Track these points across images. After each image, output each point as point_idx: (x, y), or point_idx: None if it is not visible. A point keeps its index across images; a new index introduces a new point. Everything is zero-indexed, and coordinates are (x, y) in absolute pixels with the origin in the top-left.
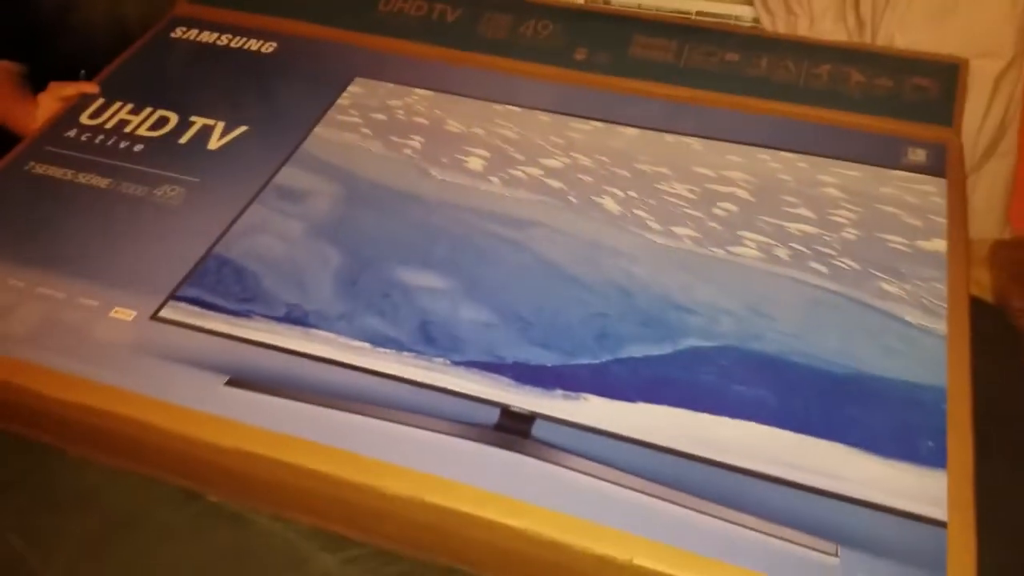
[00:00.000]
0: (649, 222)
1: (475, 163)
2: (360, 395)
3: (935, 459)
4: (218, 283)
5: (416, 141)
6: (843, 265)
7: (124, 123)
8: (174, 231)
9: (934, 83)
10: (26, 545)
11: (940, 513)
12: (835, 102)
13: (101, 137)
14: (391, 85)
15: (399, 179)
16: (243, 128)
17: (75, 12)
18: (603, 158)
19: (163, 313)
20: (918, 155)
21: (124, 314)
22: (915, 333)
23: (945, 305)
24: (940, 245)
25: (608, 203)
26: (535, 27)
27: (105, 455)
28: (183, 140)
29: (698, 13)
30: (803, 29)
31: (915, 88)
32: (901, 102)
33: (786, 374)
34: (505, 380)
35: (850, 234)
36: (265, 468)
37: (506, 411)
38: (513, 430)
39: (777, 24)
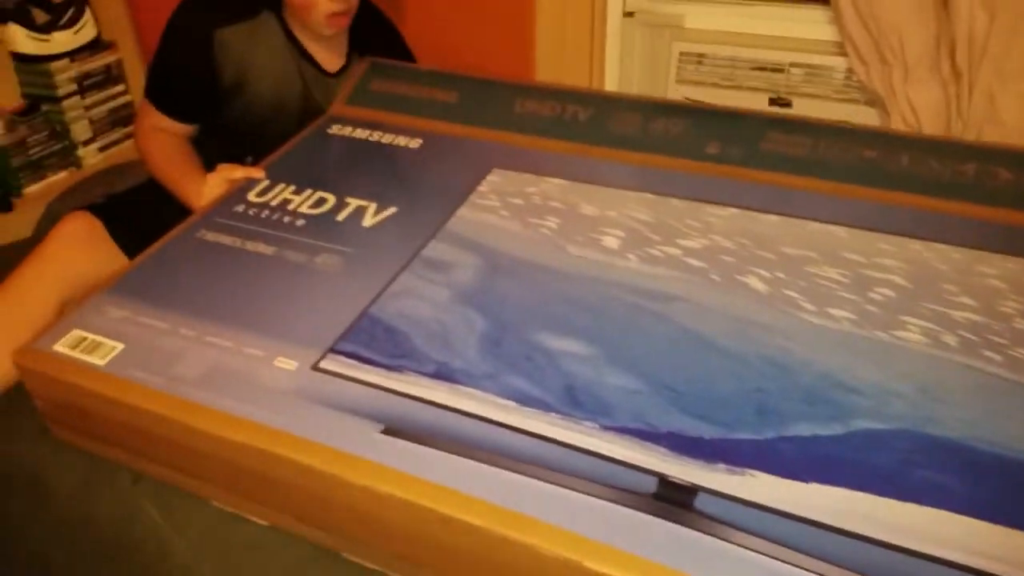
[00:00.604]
0: (801, 302)
1: (611, 241)
2: (510, 453)
3: None
4: (372, 340)
5: (552, 222)
6: (1018, 355)
7: (287, 202)
8: (332, 294)
9: None
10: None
11: None
12: (985, 198)
13: (266, 212)
14: (527, 175)
15: (537, 254)
16: (393, 209)
17: (247, 87)
18: (744, 240)
19: (323, 364)
20: None
21: (287, 363)
22: None
23: None
24: None
25: (754, 282)
26: (665, 124)
27: (250, 502)
28: (340, 217)
29: (791, 64)
30: (898, 79)
31: None
32: None
33: (971, 460)
34: (660, 449)
35: (1021, 325)
36: (416, 519)
37: (664, 480)
38: (674, 501)
39: (871, 74)
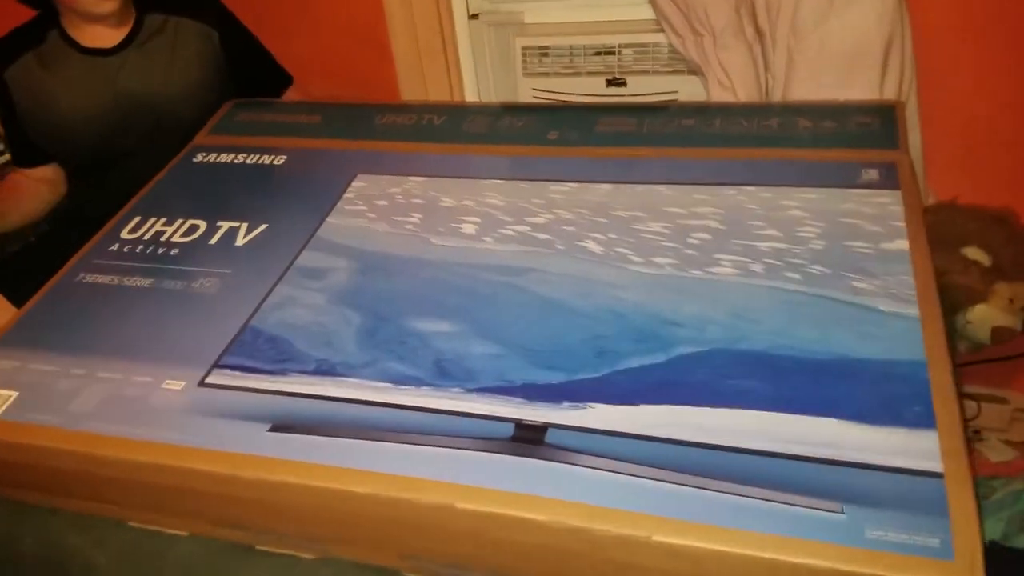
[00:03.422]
0: (631, 256)
1: (469, 228)
2: (388, 427)
3: (924, 421)
4: (255, 350)
5: (415, 217)
6: (815, 271)
7: (160, 234)
8: (213, 314)
9: (875, 119)
10: None
11: (935, 465)
12: (788, 143)
13: (140, 247)
14: (390, 176)
15: (404, 249)
16: (264, 226)
17: (53, 107)
18: (582, 210)
19: (209, 379)
20: (871, 174)
21: (175, 384)
22: (890, 319)
23: (915, 293)
24: (903, 244)
25: (591, 245)
26: (511, 121)
27: (165, 516)
28: (213, 241)
29: (621, 45)
30: (708, 47)
31: (859, 124)
32: (848, 135)
33: (773, 365)
34: (517, 400)
35: (817, 245)
36: (311, 499)
37: (520, 424)
38: (528, 440)
39: (687, 44)
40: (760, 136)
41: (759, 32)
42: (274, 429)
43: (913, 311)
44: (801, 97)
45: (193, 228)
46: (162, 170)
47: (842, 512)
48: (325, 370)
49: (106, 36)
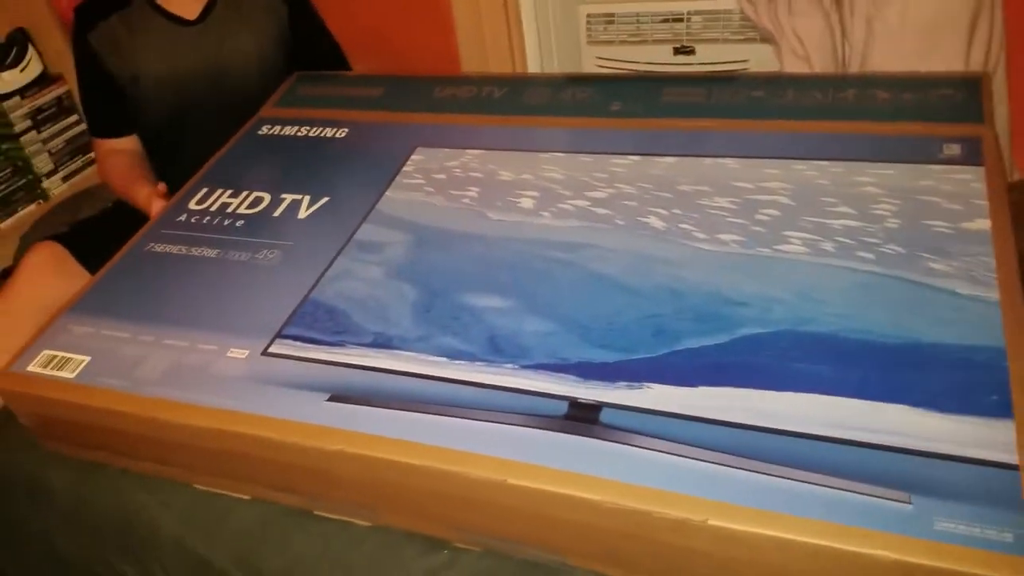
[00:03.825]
0: (694, 232)
1: (527, 202)
2: (442, 400)
3: (1000, 411)
4: (315, 322)
5: (473, 192)
6: (889, 251)
7: (226, 205)
8: (275, 285)
9: (958, 92)
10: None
11: (1010, 457)
12: (863, 115)
13: (207, 218)
14: (448, 150)
15: (460, 223)
16: (326, 199)
17: (141, 76)
18: (645, 184)
19: (271, 349)
20: (953, 149)
21: (239, 353)
22: (967, 303)
23: (995, 275)
24: (984, 224)
25: (653, 221)
26: (573, 92)
27: (228, 480)
28: (276, 213)
29: (690, 12)
30: (783, 14)
31: (941, 96)
32: (930, 108)
33: (842, 349)
34: (571, 378)
35: (893, 223)
36: (366, 469)
37: (574, 403)
38: (582, 418)
39: (759, 11)
40: (834, 108)
41: (836, 0)
42: (332, 399)
43: (993, 295)
44: (880, 68)
45: (258, 200)
46: (228, 142)
47: (910, 502)
48: (381, 343)
49: (187, 5)
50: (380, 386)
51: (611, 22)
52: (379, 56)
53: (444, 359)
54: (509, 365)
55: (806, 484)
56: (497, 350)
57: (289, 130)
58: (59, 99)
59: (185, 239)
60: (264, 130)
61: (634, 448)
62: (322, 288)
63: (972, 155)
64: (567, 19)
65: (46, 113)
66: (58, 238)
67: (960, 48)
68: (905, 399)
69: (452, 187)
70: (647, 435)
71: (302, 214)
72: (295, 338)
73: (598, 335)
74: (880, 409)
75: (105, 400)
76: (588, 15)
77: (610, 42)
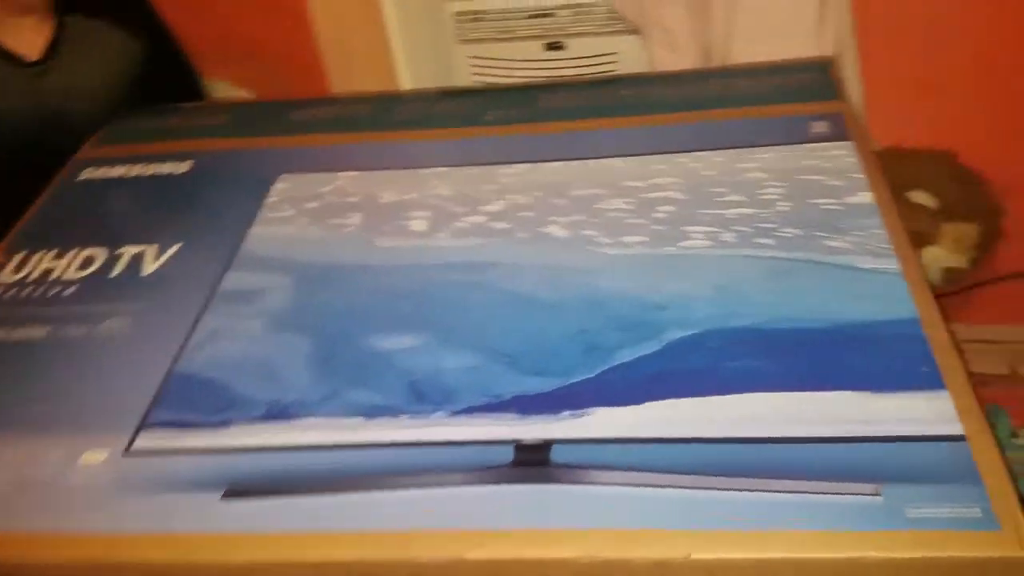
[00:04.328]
0: (598, 238)
1: (418, 225)
2: (367, 471)
3: (933, 382)
4: (188, 401)
5: (355, 218)
6: (787, 234)
7: (49, 271)
8: (129, 362)
9: (812, 75)
10: None
11: (955, 428)
12: (731, 103)
13: (28, 290)
14: (318, 174)
15: (346, 255)
16: (176, 246)
17: None
18: (538, 193)
19: (137, 445)
20: (821, 127)
21: (95, 457)
22: (871, 276)
23: (890, 247)
24: (867, 197)
25: (555, 230)
26: (445, 105)
27: None
28: (115, 273)
29: (558, 7)
30: (648, 4)
31: (798, 80)
32: (790, 91)
33: (769, 340)
34: (510, 417)
35: (784, 206)
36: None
37: (520, 446)
38: (532, 461)
39: (625, 3)
40: (703, 99)
41: None
42: (228, 495)
43: (893, 265)
44: (743, 55)
45: (89, 259)
46: (41, 194)
47: (879, 494)
48: (277, 413)
49: (28, 40)
50: (286, 468)
51: (479, 19)
52: (236, 67)
53: (360, 419)
54: (438, 414)
55: (777, 493)
56: (420, 398)
57: (118, 171)
58: None
59: (3, 319)
60: (86, 174)
61: (594, 487)
62: (189, 357)
63: (838, 130)
64: (434, 19)
65: None
66: None
67: (812, 32)
68: (844, 384)
69: (329, 215)
70: (604, 468)
71: (148, 269)
72: (165, 425)
73: (528, 362)
74: (823, 399)
75: None
76: (456, 13)
77: (481, 40)
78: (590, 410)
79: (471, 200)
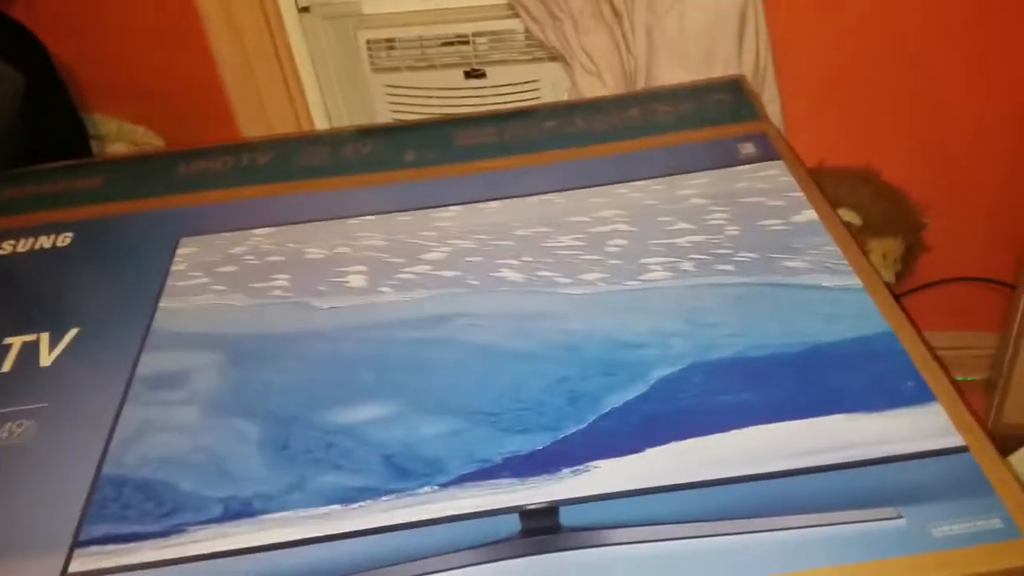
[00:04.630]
0: (556, 278)
1: (357, 280)
2: (355, 565)
3: (922, 395)
4: (125, 508)
5: (282, 279)
6: (744, 259)
7: None
8: (41, 470)
9: (726, 95)
10: None
11: (956, 440)
12: (655, 130)
13: None
14: (225, 234)
15: (282, 323)
16: (73, 331)
17: None
18: (481, 236)
19: (74, 568)
20: (748, 148)
21: None
22: (837, 294)
23: (846, 262)
24: (811, 215)
25: (508, 274)
26: (355, 147)
27: None
28: (6, 368)
29: (475, 34)
30: (570, 31)
31: (715, 101)
32: (709, 114)
33: (753, 370)
34: (505, 482)
35: (733, 231)
36: None
37: (525, 512)
38: (542, 529)
39: (546, 30)
40: (626, 127)
41: (616, 13)
42: None
43: (854, 281)
44: (664, 78)
45: None
46: None
47: (901, 516)
48: (237, 511)
49: None
50: (258, 573)
51: (392, 47)
52: (141, 107)
53: (336, 506)
54: (425, 489)
55: (800, 530)
56: (402, 473)
57: None
58: None
59: None
60: None
61: (611, 548)
62: (116, 457)
63: (766, 150)
64: (346, 47)
65: None
66: None
67: (733, 53)
68: (835, 408)
69: (251, 279)
70: (618, 527)
71: (45, 360)
72: (103, 540)
73: (511, 419)
74: (819, 425)
75: None
76: (368, 41)
77: (396, 69)
78: (591, 464)
79: (409, 249)
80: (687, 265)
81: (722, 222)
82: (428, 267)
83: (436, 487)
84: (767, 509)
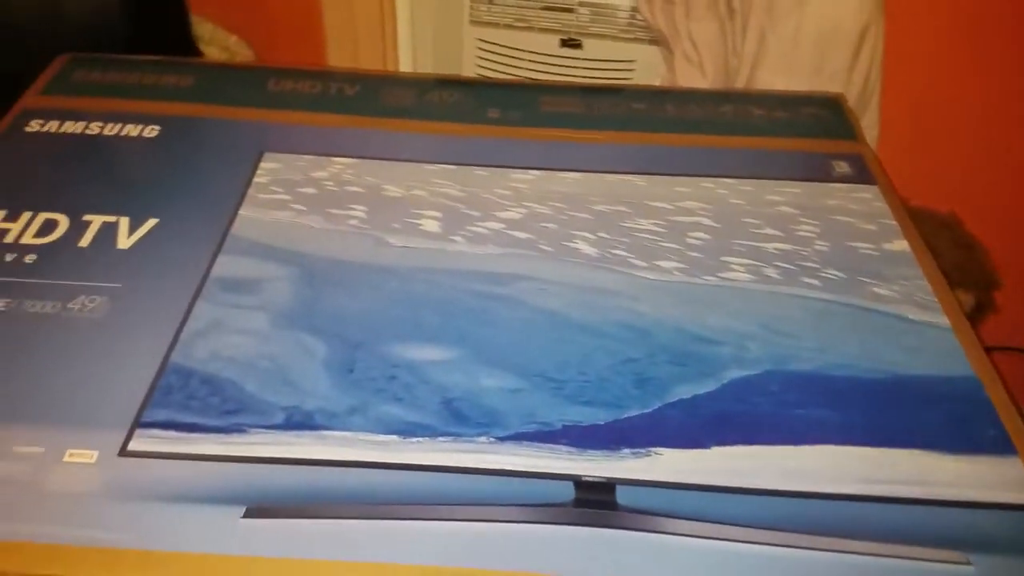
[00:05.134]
0: (631, 259)
1: (430, 224)
2: (407, 498)
3: (1003, 446)
4: (190, 398)
5: (359, 210)
6: (831, 276)
7: (2, 232)
8: (110, 347)
9: (823, 110)
10: None
11: None
12: (748, 132)
13: None
14: (308, 156)
15: (356, 252)
16: (153, 221)
17: None
18: (558, 204)
19: (133, 446)
20: (843, 167)
21: (83, 456)
22: (923, 329)
23: (935, 299)
24: (903, 245)
25: (583, 246)
26: (440, 95)
27: None
28: (83, 243)
29: (580, 3)
30: (680, 16)
31: (810, 115)
32: (804, 126)
33: (832, 388)
34: (563, 449)
35: (821, 246)
36: None
37: (581, 483)
38: (596, 503)
39: (655, 11)
40: (718, 123)
41: (731, 9)
42: (252, 514)
43: (942, 320)
44: (767, 83)
45: (51, 224)
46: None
47: (969, 563)
48: (299, 422)
49: None
50: (313, 487)
51: (494, 2)
52: (237, 15)
53: (395, 437)
54: (481, 439)
55: (862, 556)
56: (459, 418)
57: (72, 126)
58: None
59: None
60: (34, 126)
61: (665, 536)
62: (186, 348)
63: (862, 173)
64: None
65: None
66: None
67: (845, 68)
68: (912, 442)
69: (330, 204)
70: (676, 517)
71: (123, 243)
72: (165, 425)
73: (574, 389)
74: (893, 456)
75: None
76: None
77: (494, 24)
78: (653, 450)
79: (484, 203)
80: (771, 271)
81: (811, 235)
82: (502, 225)
83: (493, 439)
84: (829, 529)
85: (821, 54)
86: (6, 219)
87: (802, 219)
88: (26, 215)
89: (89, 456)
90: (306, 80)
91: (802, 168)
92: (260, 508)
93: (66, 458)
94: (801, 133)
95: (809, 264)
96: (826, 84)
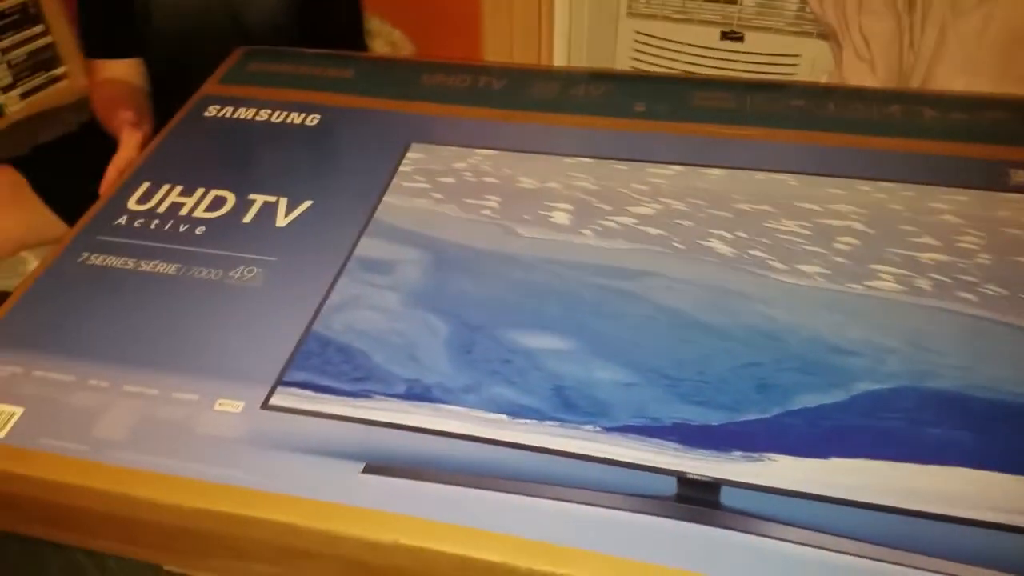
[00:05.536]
0: (770, 261)
1: (561, 217)
2: (513, 473)
3: None
4: (326, 364)
5: (493, 201)
6: (990, 292)
7: (177, 206)
8: (261, 313)
9: (1007, 114)
10: None
11: None
12: (917, 133)
13: (156, 222)
14: (451, 148)
15: (485, 239)
16: (308, 203)
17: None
18: (696, 200)
19: (275, 400)
20: (1021, 176)
21: (231, 406)
22: None
23: None
24: None
25: (718, 245)
26: (586, 89)
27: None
28: (247, 219)
29: None
30: (851, 9)
31: (991, 120)
32: (982, 131)
33: (971, 410)
34: (671, 445)
35: (984, 259)
36: (423, 566)
37: (685, 479)
38: (699, 500)
39: (825, 5)
40: (883, 124)
41: (910, 2)
42: (370, 470)
43: None
44: (945, 83)
45: (220, 201)
46: (167, 124)
47: None
48: (418, 393)
49: None
50: (427, 453)
51: None
52: (402, 10)
53: (504, 417)
54: (589, 427)
55: None
56: (569, 406)
57: (244, 113)
58: (24, 5)
59: (131, 249)
60: (211, 111)
61: (767, 540)
62: (326, 319)
63: None
64: None
65: (8, 19)
66: (17, 163)
67: None
68: None
69: (466, 194)
70: (781, 522)
71: (281, 221)
72: (303, 385)
73: (690, 389)
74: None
75: (51, 469)
76: None
77: (652, 16)
78: (766, 455)
79: (618, 198)
80: (923, 283)
81: (974, 247)
82: (634, 220)
83: (600, 428)
84: (948, 554)
85: (1008, 54)
86: (182, 194)
87: (966, 229)
88: (199, 191)
89: (236, 406)
90: (457, 74)
91: (973, 174)
92: (378, 466)
93: (216, 406)
94: (977, 138)
95: (967, 278)
96: (1011, 87)
